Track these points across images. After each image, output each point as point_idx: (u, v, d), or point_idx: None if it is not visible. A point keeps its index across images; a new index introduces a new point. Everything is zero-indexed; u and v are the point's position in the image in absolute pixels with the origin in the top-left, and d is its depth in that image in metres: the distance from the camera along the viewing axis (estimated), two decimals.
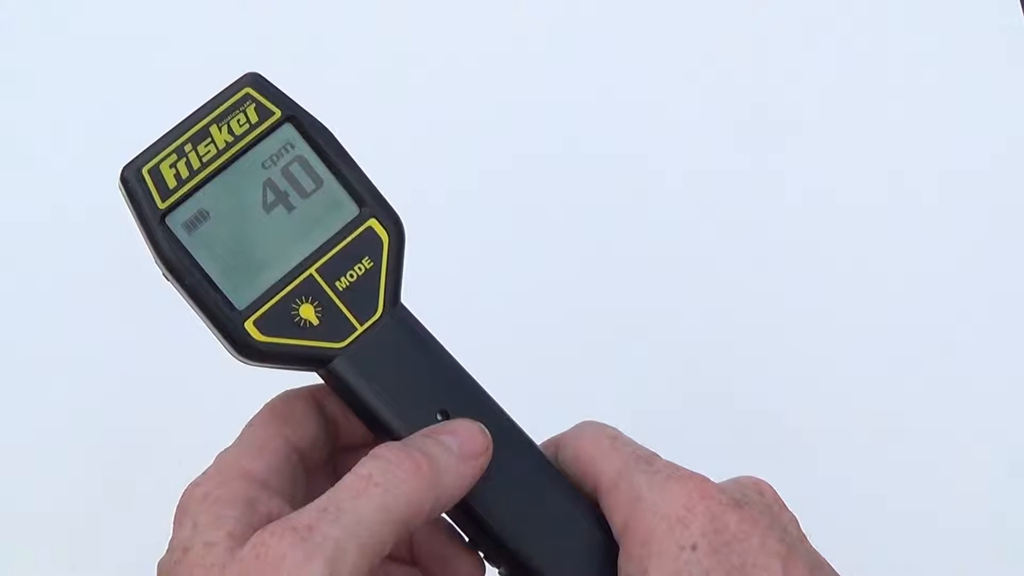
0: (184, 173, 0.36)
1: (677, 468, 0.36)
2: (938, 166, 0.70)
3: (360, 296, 0.37)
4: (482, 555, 0.38)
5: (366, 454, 0.35)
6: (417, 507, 0.34)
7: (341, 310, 0.37)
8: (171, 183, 0.36)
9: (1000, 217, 0.69)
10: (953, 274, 0.67)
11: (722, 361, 0.66)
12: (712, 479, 0.36)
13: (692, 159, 0.70)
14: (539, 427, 0.39)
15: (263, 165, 0.37)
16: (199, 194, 0.36)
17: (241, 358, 0.36)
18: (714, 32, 0.74)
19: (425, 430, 0.36)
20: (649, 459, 0.37)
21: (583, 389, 0.63)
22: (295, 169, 0.37)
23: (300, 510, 0.33)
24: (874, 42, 0.73)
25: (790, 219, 0.69)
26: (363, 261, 0.37)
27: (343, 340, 0.37)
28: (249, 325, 0.36)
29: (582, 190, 0.69)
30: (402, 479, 0.34)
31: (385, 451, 0.35)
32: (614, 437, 0.38)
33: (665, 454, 0.37)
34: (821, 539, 0.36)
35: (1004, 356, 0.66)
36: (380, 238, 0.37)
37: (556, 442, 0.39)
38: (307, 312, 0.36)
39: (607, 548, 0.36)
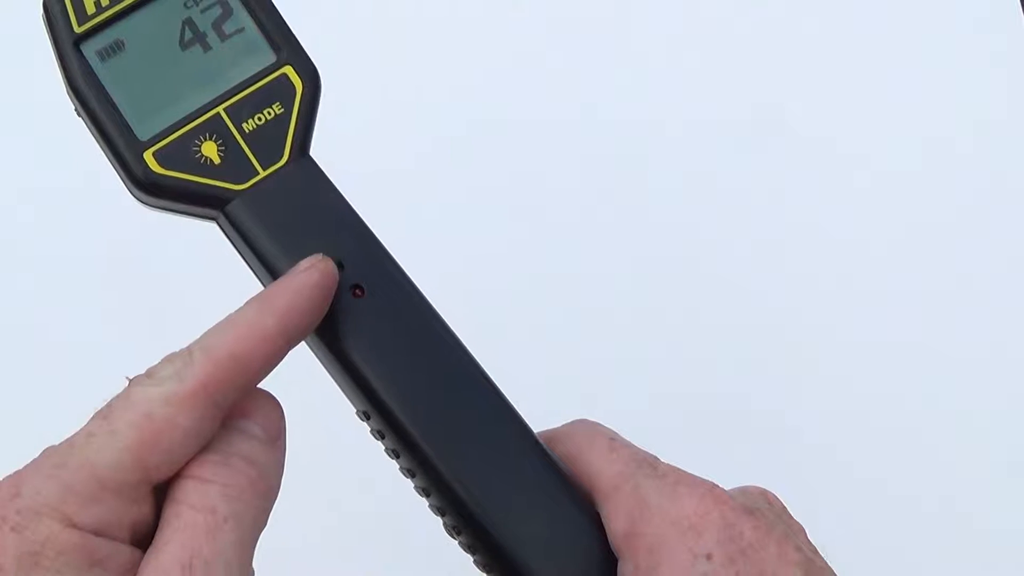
0: (104, 1, 0.36)
1: (684, 473, 0.35)
2: (937, 165, 0.70)
3: (266, 141, 0.36)
4: (471, 559, 0.36)
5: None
6: (263, 524, 0.32)
7: (245, 152, 0.36)
8: (90, 9, 0.36)
9: (1001, 216, 0.69)
10: (954, 273, 0.67)
11: (720, 360, 0.66)
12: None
13: (694, 156, 0.70)
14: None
15: (185, 5, 0.37)
16: (117, 25, 0.36)
17: (139, 193, 0.36)
18: (712, 28, 0.74)
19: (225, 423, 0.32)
20: (652, 462, 0.35)
21: (576, 387, 0.63)
22: (216, 12, 0.37)
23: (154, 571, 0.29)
24: (872, 41, 0.73)
25: (789, 217, 0.69)
26: (273, 106, 0.36)
27: (243, 183, 0.36)
28: (148, 155, 0.35)
29: (581, 187, 0.69)
30: (247, 503, 0.31)
31: (209, 472, 0.31)
32: (612, 438, 0.36)
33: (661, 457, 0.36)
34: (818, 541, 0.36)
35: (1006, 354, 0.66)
36: (294, 86, 0.36)
37: (546, 438, 0.37)
38: (209, 150, 0.36)
39: (607, 556, 0.34)
